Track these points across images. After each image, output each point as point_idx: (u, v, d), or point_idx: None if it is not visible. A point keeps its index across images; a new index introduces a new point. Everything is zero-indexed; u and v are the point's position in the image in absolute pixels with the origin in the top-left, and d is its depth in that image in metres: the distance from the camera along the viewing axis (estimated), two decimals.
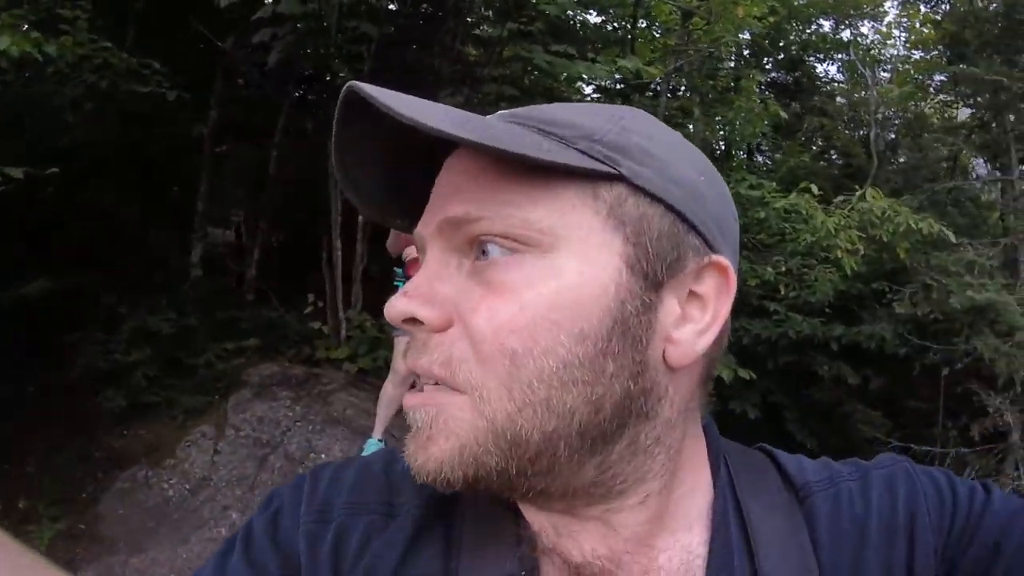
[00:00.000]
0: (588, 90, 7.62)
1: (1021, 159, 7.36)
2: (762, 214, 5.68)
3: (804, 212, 5.65)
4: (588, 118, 0.48)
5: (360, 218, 5.38)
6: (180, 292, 5.62)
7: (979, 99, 7.58)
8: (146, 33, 5.51)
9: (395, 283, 3.74)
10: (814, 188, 5.76)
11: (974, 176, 8.44)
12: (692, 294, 0.48)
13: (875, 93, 8.99)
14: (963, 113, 8.86)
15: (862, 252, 5.52)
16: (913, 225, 5.54)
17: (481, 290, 0.45)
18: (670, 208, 0.47)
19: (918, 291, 5.71)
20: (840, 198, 5.87)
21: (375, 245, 4.34)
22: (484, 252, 0.46)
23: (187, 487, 4.18)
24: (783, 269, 5.73)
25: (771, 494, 0.55)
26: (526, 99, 5.56)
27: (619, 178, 0.46)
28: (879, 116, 9.05)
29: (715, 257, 0.48)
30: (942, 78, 8.95)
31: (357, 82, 0.44)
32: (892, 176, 7.70)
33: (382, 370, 3.95)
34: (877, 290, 6.01)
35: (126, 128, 5.56)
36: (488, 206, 0.45)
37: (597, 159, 0.45)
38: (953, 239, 5.71)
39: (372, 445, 3.89)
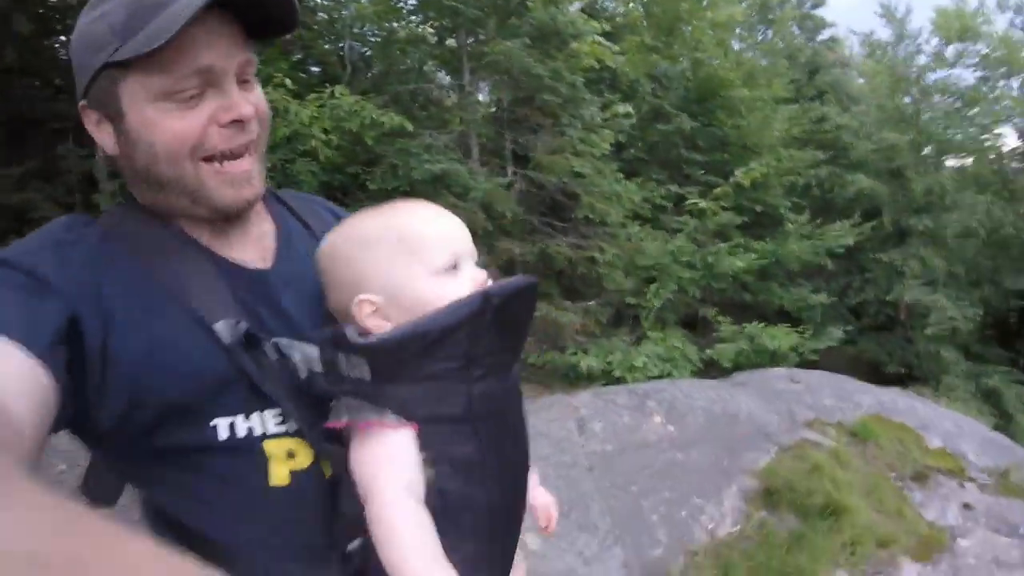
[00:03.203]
0: None
1: (471, 70, 8.88)
2: None
3: (280, 107, 5.91)
4: None
5: None
6: None
7: (443, 22, 8.89)
8: None
9: None
10: (288, 83, 6.08)
11: (436, 82, 9.85)
12: None
13: (353, 10, 9.71)
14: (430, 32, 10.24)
15: (336, 143, 6.07)
16: (377, 119, 6.38)
17: None
18: None
19: (387, 170, 6.57)
20: (312, 95, 6.31)
21: None
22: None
23: None
24: (268, 165, 5.93)
25: (300, 199, 1.06)
26: None
27: None
28: (355, 31, 9.86)
29: None
30: (414, 2, 10.17)
31: None
32: (364, 81, 8.49)
33: None
34: (353, 174, 6.69)
35: None
36: None
37: None
38: (411, 128, 6.70)
39: None
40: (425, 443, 0.77)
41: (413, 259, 0.81)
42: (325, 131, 5.98)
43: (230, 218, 0.87)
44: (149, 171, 0.83)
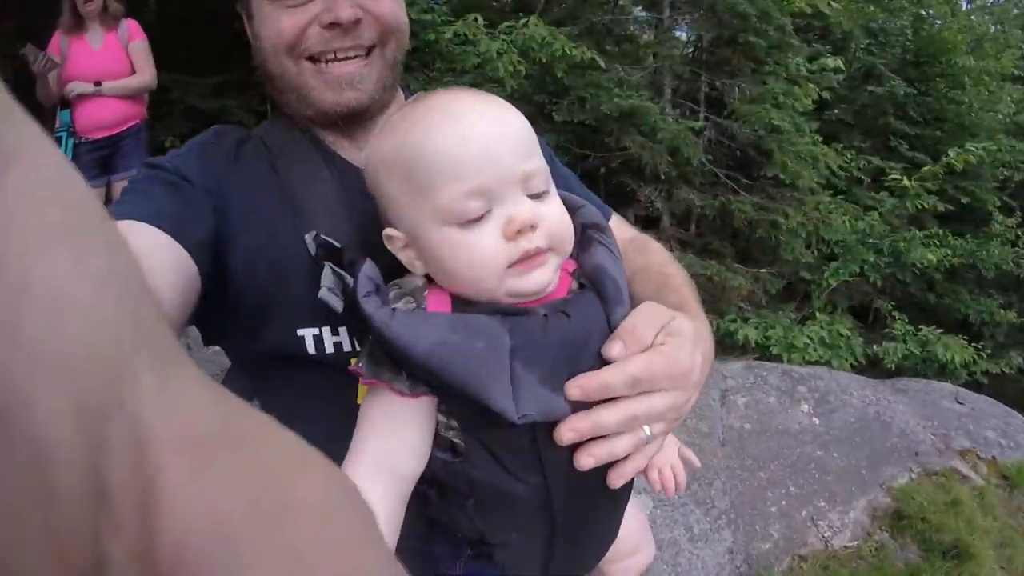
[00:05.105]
0: None
1: (671, 4, 8.47)
2: (432, 36, 5.98)
3: (471, 36, 6.06)
4: None
5: None
6: None
7: None
8: None
9: (57, 134, 3.32)
10: (480, 18, 6.18)
11: (631, 16, 9.52)
12: None
13: None
14: None
15: (524, 73, 6.15)
16: (568, 52, 6.32)
17: None
18: None
19: (575, 102, 6.55)
20: (505, 24, 6.37)
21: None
22: None
23: None
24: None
25: None
26: None
27: None
28: None
29: None
30: None
31: None
32: (560, 11, 8.39)
33: None
34: (539, 104, 6.75)
35: None
36: None
37: None
38: (603, 65, 6.59)
39: None
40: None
41: (421, 199, 0.66)
42: (512, 64, 6.05)
43: (347, 120, 0.87)
44: (263, 68, 0.88)
